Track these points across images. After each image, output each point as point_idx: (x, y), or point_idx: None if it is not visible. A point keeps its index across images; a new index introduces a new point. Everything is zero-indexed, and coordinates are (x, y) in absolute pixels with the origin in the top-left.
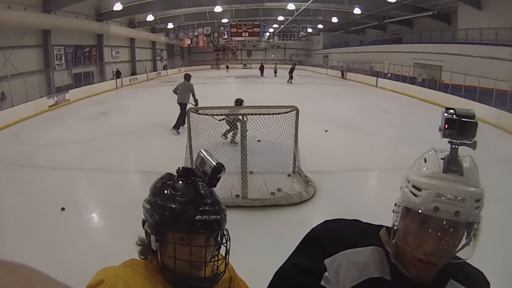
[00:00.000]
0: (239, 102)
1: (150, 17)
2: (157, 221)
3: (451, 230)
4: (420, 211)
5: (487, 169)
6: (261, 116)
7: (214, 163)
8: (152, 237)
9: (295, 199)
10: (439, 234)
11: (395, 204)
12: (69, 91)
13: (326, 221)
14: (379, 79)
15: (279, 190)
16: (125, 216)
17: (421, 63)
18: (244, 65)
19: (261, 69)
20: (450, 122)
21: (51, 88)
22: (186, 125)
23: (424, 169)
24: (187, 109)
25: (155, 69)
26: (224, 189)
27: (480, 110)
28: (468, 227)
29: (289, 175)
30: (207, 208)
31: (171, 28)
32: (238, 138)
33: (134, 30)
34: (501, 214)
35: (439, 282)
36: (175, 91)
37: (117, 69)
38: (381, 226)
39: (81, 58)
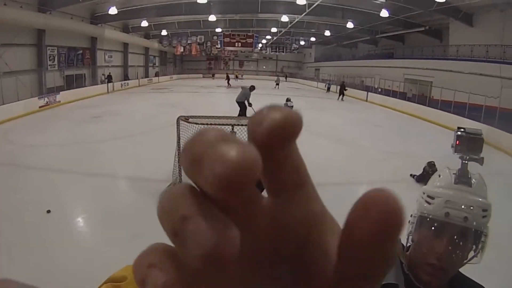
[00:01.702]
0: (288, 100)
1: (144, 23)
2: None
3: (461, 235)
4: (433, 217)
5: None
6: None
7: None
8: None
9: None
10: (449, 238)
11: (411, 215)
12: (60, 92)
13: None
14: (369, 93)
15: None
16: (112, 222)
17: (411, 78)
18: (236, 76)
19: (227, 79)
20: (461, 138)
21: (42, 89)
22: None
23: (437, 182)
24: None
25: (147, 76)
26: None
27: (470, 126)
28: (476, 238)
29: None
30: None
31: (165, 35)
32: None
33: (128, 35)
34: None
35: None
36: None
37: (109, 73)
38: None
39: (74, 60)
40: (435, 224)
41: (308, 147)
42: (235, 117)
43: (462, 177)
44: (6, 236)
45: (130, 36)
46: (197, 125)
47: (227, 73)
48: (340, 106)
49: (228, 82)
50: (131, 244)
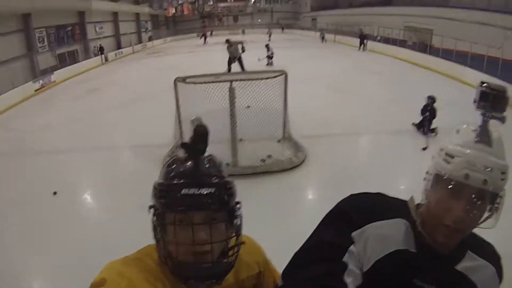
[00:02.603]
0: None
1: None
2: (154, 203)
3: (479, 198)
4: (452, 177)
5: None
6: (250, 81)
7: (196, 124)
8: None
9: (285, 165)
10: (467, 201)
11: (426, 172)
12: (55, 72)
13: (350, 195)
14: (368, 41)
15: (269, 156)
16: (119, 195)
17: (411, 26)
18: (243, 31)
19: (204, 37)
20: (485, 95)
21: (36, 72)
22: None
23: (457, 139)
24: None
25: (140, 41)
26: None
27: (472, 76)
28: (493, 199)
29: (279, 141)
30: (199, 180)
31: None
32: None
33: (116, 3)
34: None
35: (458, 253)
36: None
37: (100, 45)
38: (403, 200)
39: (64, 37)
40: (453, 185)
41: (310, 98)
42: (232, 73)
43: (483, 136)
44: (15, 222)
45: (119, 5)
46: (195, 85)
47: (203, 32)
48: (340, 54)
49: (205, 40)
50: (138, 215)
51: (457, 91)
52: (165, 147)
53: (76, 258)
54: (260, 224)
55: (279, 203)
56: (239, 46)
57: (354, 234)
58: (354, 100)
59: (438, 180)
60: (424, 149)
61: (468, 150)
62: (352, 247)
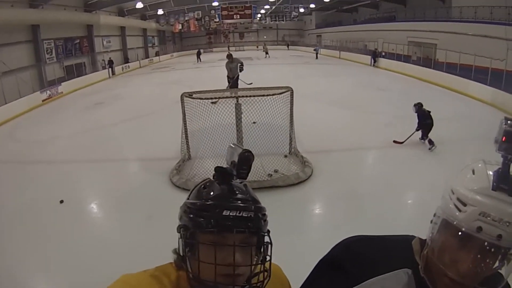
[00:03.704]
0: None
1: (139, 5)
2: (185, 222)
3: (490, 253)
4: (462, 228)
5: (480, 145)
6: (256, 97)
7: (241, 150)
8: (181, 241)
9: (292, 180)
10: (477, 256)
11: (434, 215)
12: (62, 83)
13: (348, 242)
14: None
15: (276, 171)
16: (126, 206)
17: (415, 41)
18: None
19: (198, 55)
20: (509, 135)
21: (43, 82)
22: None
23: (471, 182)
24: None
25: (147, 56)
26: None
27: (476, 88)
28: (505, 252)
29: (285, 156)
30: (239, 203)
31: (161, 14)
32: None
33: (124, 18)
34: None
35: None
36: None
37: (110, 58)
38: (407, 237)
39: (72, 50)
40: (462, 237)
41: (315, 114)
42: (238, 89)
43: (502, 182)
44: (21, 230)
45: (126, 19)
46: (201, 100)
47: (198, 49)
48: (345, 71)
49: (198, 58)
50: (146, 226)
51: (462, 105)
52: (171, 161)
53: (81, 268)
54: None
55: (284, 219)
56: (239, 65)
57: None
58: (361, 116)
59: (446, 226)
60: (396, 142)
61: (483, 199)
62: None
